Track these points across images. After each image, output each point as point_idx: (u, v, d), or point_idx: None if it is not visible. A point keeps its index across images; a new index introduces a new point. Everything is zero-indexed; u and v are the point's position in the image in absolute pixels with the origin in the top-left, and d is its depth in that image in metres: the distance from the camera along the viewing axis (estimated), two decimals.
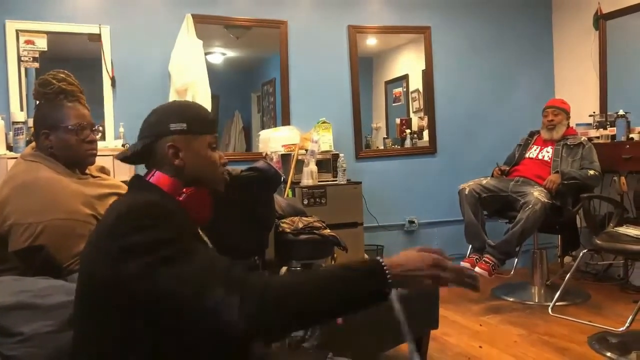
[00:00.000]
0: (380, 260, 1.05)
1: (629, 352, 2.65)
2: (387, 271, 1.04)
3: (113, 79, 3.55)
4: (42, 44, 3.39)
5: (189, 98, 3.45)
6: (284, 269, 3.05)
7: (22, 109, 3.32)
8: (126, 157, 1.27)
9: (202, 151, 1.25)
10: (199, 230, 1.25)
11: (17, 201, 1.62)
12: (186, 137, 1.22)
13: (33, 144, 1.84)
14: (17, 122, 3.19)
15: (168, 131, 1.22)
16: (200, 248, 1.08)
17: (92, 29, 3.53)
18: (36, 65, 3.37)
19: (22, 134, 3.17)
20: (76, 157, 1.77)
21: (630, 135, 3.71)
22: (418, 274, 1.06)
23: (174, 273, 0.98)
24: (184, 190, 1.21)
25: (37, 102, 1.88)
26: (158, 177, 1.21)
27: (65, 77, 1.83)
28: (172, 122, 1.22)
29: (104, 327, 1.06)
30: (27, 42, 3.36)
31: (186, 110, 1.27)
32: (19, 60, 3.35)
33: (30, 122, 3.19)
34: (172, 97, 3.49)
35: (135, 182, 1.25)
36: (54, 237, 1.57)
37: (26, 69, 3.38)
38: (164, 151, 1.21)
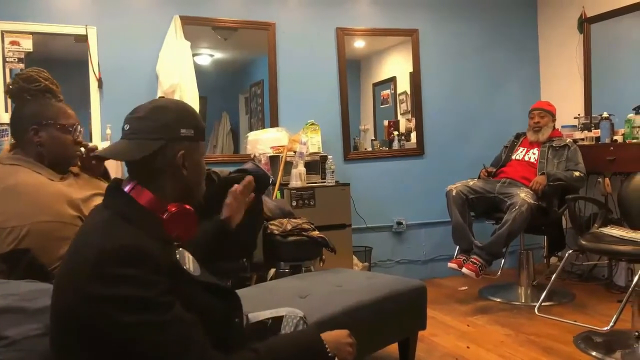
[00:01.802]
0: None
1: (614, 351, 2.69)
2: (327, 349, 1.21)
3: (100, 81, 3.52)
4: (27, 44, 3.36)
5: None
6: (272, 270, 3.05)
7: (7, 111, 3.28)
8: (140, 160, 1.15)
9: (200, 160, 1.21)
10: (179, 252, 1.17)
11: (0, 205, 1.60)
12: (192, 144, 1.17)
13: (7, 146, 1.81)
14: (2, 124, 3.15)
15: (178, 136, 1.15)
16: (177, 311, 1.04)
17: (79, 29, 3.50)
18: (21, 66, 3.33)
19: (7, 136, 3.13)
20: (66, 157, 1.76)
21: (614, 137, 3.75)
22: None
23: (150, 340, 1.00)
24: (169, 207, 1.14)
25: (17, 98, 1.85)
26: (139, 192, 1.14)
27: (49, 76, 1.82)
28: (182, 126, 1.16)
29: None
30: (12, 42, 3.33)
31: (194, 115, 1.21)
32: (4, 61, 3.31)
33: None
34: None
35: (113, 195, 1.17)
36: (39, 239, 1.55)
37: (11, 70, 3.34)
38: (172, 158, 1.14)
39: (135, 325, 0.99)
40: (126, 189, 1.16)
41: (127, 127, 1.17)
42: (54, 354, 1.10)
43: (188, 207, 1.17)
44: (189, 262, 1.17)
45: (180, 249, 1.18)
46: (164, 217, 1.13)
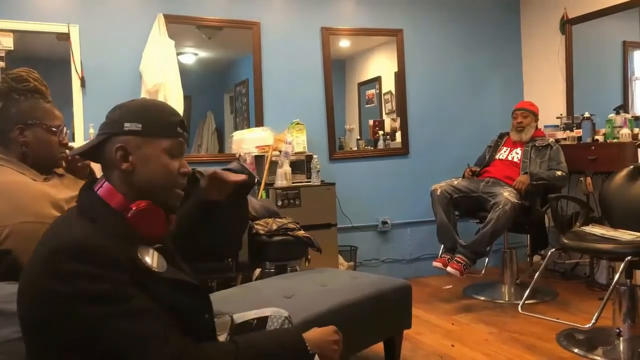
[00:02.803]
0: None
1: (595, 348, 2.72)
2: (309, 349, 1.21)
3: (82, 80, 3.48)
4: (8, 42, 3.30)
5: (160, 98, 3.41)
6: (257, 270, 3.04)
7: None
8: (81, 154, 1.20)
9: (154, 157, 1.16)
10: (144, 249, 1.14)
11: None
12: (139, 139, 1.14)
13: None
14: None
15: (121, 130, 1.14)
16: (135, 304, 1.03)
17: (61, 28, 3.45)
18: (2, 64, 3.28)
19: None
20: (50, 158, 1.74)
21: (596, 137, 3.81)
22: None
23: (108, 334, 0.99)
24: (132, 205, 1.13)
25: (4, 96, 1.83)
26: (106, 190, 1.14)
27: (39, 77, 1.80)
28: (127, 120, 1.15)
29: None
30: None
31: (146, 110, 1.18)
32: None
33: None
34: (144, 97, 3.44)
35: (82, 195, 1.18)
36: (20, 241, 1.53)
37: None
38: (111, 152, 1.14)
39: (90, 319, 0.99)
40: (96, 188, 1.16)
41: None
42: (26, 356, 1.09)
43: (154, 205, 1.15)
44: (154, 259, 1.14)
45: (147, 247, 1.15)
46: (128, 215, 1.12)
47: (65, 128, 1.78)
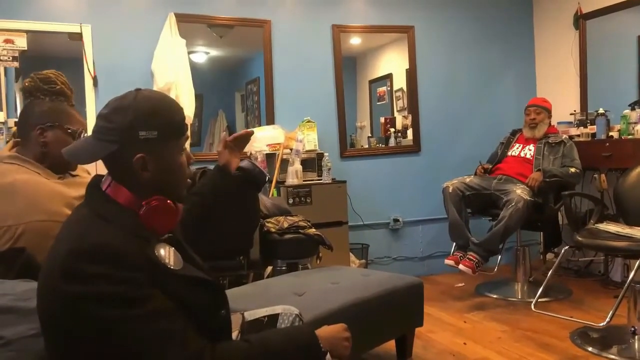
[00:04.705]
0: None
1: (610, 346, 2.69)
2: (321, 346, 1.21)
3: (95, 79, 3.51)
4: (21, 43, 3.34)
5: (172, 97, 3.43)
6: (269, 268, 3.06)
7: (1, 109, 3.26)
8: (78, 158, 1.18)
9: (172, 158, 1.16)
10: (160, 246, 1.14)
11: None
12: (156, 145, 1.12)
13: (8, 145, 1.81)
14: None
15: (136, 139, 1.10)
16: (154, 305, 1.03)
17: (73, 27, 3.48)
18: (16, 64, 3.32)
19: (2, 134, 3.13)
20: (68, 161, 1.76)
21: (610, 134, 3.76)
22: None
23: (127, 335, 1.00)
24: (144, 203, 1.12)
25: (30, 96, 1.86)
26: (115, 189, 1.14)
27: (66, 81, 1.83)
28: (141, 129, 1.10)
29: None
30: (7, 41, 3.31)
31: (158, 113, 1.13)
32: None
33: (10, 123, 3.15)
34: None
35: (91, 193, 1.17)
36: (34, 239, 1.55)
37: (5, 69, 3.33)
38: (130, 161, 1.10)
39: (109, 320, 0.99)
40: (104, 186, 1.15)
41: (95, 123, 1.16)
42: (46, 354, 1.10)
43: (166, 200, 1.15)
44: (170, 256, 1.14)
45: (163, 243, 1.16)
46: (140, 212, 1.12)
47: (83, 133, 1.80)
